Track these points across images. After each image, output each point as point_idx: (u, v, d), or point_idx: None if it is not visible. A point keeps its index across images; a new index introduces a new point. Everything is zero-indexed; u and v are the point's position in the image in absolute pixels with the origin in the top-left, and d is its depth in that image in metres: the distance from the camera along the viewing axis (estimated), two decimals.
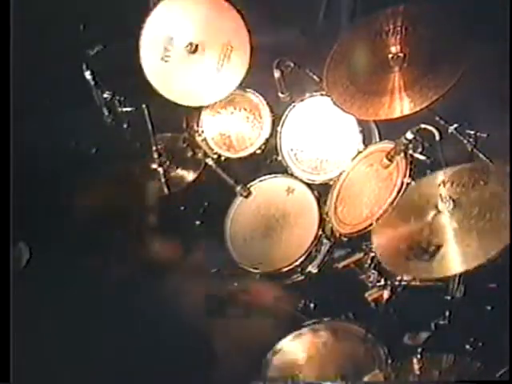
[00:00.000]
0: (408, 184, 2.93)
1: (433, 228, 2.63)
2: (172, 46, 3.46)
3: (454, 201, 2.59)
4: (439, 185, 2.70)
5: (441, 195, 2.61)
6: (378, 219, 2.95)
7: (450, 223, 2.59)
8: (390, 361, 3.00)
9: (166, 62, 3.47)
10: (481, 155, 3.01)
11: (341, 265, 3.40)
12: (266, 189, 3.58)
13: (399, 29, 3.04)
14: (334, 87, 3.18)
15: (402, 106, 2.91)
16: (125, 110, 3.69)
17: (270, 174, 3.60)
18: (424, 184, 2.83)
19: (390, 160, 3.02)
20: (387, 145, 3.15)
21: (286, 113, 3.52)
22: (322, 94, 3.43)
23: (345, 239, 3.25)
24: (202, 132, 3.71)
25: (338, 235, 3.29)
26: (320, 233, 3.34)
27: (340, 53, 3.22)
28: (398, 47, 3.01)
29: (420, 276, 2.82)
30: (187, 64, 3.49)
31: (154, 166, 3.74)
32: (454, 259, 2.52)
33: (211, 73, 3.47)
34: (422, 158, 2.97)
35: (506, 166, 2.63)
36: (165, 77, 3.48)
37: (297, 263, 3.33)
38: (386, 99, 2.96)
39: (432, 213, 2.66)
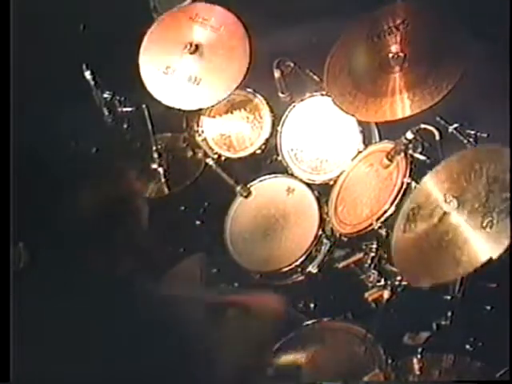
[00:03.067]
0: (408, 184, 2.93)
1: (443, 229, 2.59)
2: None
3: (457, 198, 2.57)
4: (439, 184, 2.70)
5: (444, 195, 2.60)
6: (378, 219, 2.95)
7: (461, 220, 2.55)
8: (390, 361, 3.00)
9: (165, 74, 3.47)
10: None
11: (341, 265, 3.39)
12: (266, 189, 3.58)
13: (399, 28, 3.04)
14: (334, 87, 3.18)
15: (403, 107, 2.91)
16: (125, 110, 3.68)
17: (270, 174, 3.60)
18: (426, 186, 2.80)
19: (390, 160, 3.02)
20: (387, 145, 3.15)
21: (286, 113, 3.52)
22: (322, 94, 3.43)
23: (345, 239, 3.26)
24: (202, 132, 3.71)
25: (338, 235, 3.29)
26: (320, 233, 3.34)
27: (340, 52, 3.22)
28: (398, 47, 3.02)
29: (450, 278, 2.71)
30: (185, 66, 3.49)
31: (154, 165, 3.74)
32: (481, 248, 2.46)
33: (211, 74, 3.47)
34: (421, 157, 2.97)
35: (497, 146, 2.62)
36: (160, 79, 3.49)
37: (297, 263, 3.33)
38: (387, 101, 2.96)
39: (438, 215, 2.63)
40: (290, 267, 3.34)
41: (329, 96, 3.25)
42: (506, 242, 2.38)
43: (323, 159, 3.43)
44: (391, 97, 2.95)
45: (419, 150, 2.99)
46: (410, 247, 2.70)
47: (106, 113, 3.70)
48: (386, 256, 3.12)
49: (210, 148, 3.70)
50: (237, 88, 3.42)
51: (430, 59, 2.92)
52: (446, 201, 2.57)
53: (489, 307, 3.02)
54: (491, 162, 2.55)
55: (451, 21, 2.95)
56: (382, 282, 3.08)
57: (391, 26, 3.07)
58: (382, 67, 3.04)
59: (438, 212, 2.62)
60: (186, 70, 3.47)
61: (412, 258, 2.70)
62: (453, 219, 2.56)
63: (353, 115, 3.14)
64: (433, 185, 2.71)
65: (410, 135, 2.91)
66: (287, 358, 3.20)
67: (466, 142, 3.00)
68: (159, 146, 3.73)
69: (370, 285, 3.13)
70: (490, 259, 2.41)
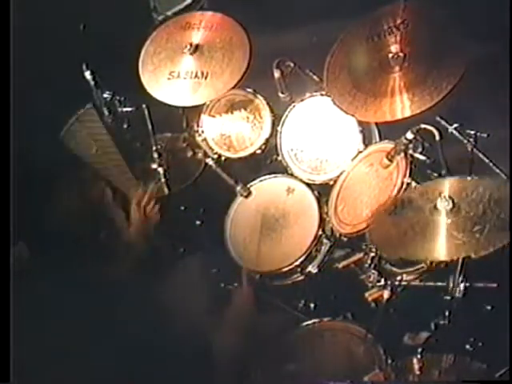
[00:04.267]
0: (408, 184, 2.93)
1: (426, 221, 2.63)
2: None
3: (453, 201, 2.58)
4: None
5: (441, 194, 2.60)
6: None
7: (449, 219, 2.58)
8: (390, 361, 3.00)
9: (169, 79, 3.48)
10: (481, 155, 3.01)
11: (341, 265, 3.39)
12: (266, 189, 3.58)
13: (399, 27, 3.04)
14: (334, 87, 3.18)
15: (403, 108, 2.91)
16: (125, 110, 3.68)
17: (270, 174, 3.60)
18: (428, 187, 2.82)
19: (390, 160, 3.02)
20: (387, 145, 3.15)
21: (286, 113, 3.52)
22: (321, 94, 3.43)
23: (345, 239, 3.26)
24: (202, 132, 3.71)
25: (338, 235, 3.29)
26: (320, 233, 3.34)
27: (340, 52, 3.22)
28: (398, 46, 3.01)
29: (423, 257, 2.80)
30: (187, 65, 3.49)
31: (154, 166, 3.74)
32: (464, 246, 2.51)
33: (212, 72, 3.47)
34: (422, 157, 2.97)
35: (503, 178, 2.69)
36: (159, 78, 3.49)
37: (297, 263, 3.33)
38: (386, 101, 2.96)
39: (428, 208, 2.65)
40: (290, 267, 3.34)
41: (329, 96, 3.25)
42: (487, 250, 2.43)
43: (323, 159, 3.43)
44: (391, 97, 2.95)
45: (419, 150, 2.99)
46: (392, 226, 2.76)
47: (106, 113, 3.71)
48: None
49: (210, 148, 3.70)
50: (241, 78, 3.41)
51: (430, 59, 2.92)
52: (441, 199, 2.58)
53: (489, 307, 3.02)
54: (495, 188, 2.60)
55: (451, 21, 2.95)
56: (382, 282, 3.08)
57: (391, 25, 3.07)
58: (381, 67, 3.04)
59: (430, 206, 2.64)
60: (189, 69, 3.47)
61: (390, 235, 2.75)
62: (442, 215, 2.59)
63: (352, 115, 3.14)
64: (432, 186, 2.72)
65: (409, 135, 2.91)
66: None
67: (466, 141, 3.00)
68: (159, 146, 3.73)
69: (370, 285, 3.13)
70: (468, 257, 2.49)
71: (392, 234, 2.72)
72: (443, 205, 2.56)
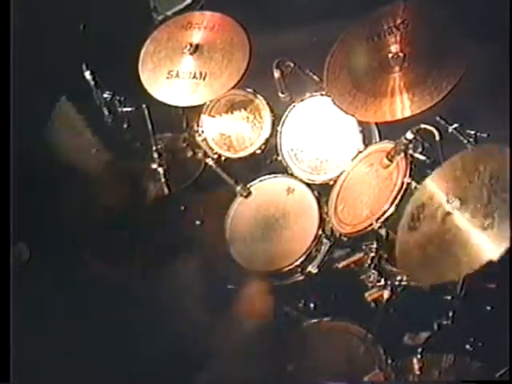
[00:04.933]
0: (408, 184, 2.93)
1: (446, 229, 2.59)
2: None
3: (459, 198, 2.56)
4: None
5: (447, 195, 2.59)
6: (378, 219, 2.95)
7: (463, 220, 2.54)
8: (390, 361, 3.00)
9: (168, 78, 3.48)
10: None
11: (341, 265, 3.39)
12: (266, 189, 3.58)
13: (399, 27, 3.04)
14: (334, 87, 3.18)
15: (403, 108, 2.91)
16: (125, 110, 3.68)
17: (270, 174, 3.60)
18: (429, 186, 2.79)
19: (390, 160, 3.02)
20: (387, 145, 3.15)
21: (286, 113, 3.52)
22: (321, 94, 3.43)
23: (345, 239, 3.26)
24: (202, 132, 3.70)
25: (338, 235, 3.29)
26: (320, 233, 3.34)
27: (340, 52, 3.22)
28: (398, 47, 3.01)
29: (450, 277, 2.70)
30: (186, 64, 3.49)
31: (154, 165, 3.74)
32: (481, 249, 2.46)
33: (211, 73, 3.47)
34: (422, 157, 2.97)
35: (497, 145, 2.61)
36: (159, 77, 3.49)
37: (297, 263, 3.33)
38: (386, 101, 2.96)
39: (441, 215, 2.62)
40: (290, 267, 3.34)
41: (329, 96, 3.25)
42: (506, 244, 2.38)
43: (323, 159, 3.43)
44: (391, 97, 2.95)
45: (419, 150, 2.99)
46: (414, 247, 2.69)
47: (106, 113, 3.71)
48: (385, 256, 3.12)
49: (210, 148, 3.70)
50: (240, 80, 3.41)
51: (430, 59, 2.92)
52: (448, 201, 2.57)
53: (489, 307, 3.02)
54: (493, 161, 2.55)
55: (451, 21, 2.95)
56: (382, 282, 3.07)
57: (391, 25, 3.07)
58: (381, 67, 3.04)
59: (441, 212, 2.61)
60: (189, 69, 3.48)
61: (415, 257, 2.69)
62: (455, 219, 2.55)
63: (352, 115, 3.14)
64: (435, 185, 2.70)
65: (409, 135, 2.91)
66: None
67: (465, 141, 3.00)
68: (159, 146, 3.73)
69: (370, 285, 3.13)
70: (490, 261, 2.41)
71: (417, 256, 2.68)
72: (452, 206, 2.55)
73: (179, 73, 3.48)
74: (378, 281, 3.09)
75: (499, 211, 2.44)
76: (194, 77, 3.45)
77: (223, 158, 3.69)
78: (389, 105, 2.95)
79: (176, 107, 3.56)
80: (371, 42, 3.12)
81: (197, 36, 3.53)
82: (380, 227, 2.97)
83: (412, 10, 3.06)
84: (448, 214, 2.58)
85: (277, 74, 3.47)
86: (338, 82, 3.16)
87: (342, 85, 3.13)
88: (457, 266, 2.50)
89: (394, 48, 3.03)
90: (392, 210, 2.92)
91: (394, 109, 2.93)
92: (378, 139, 3.41)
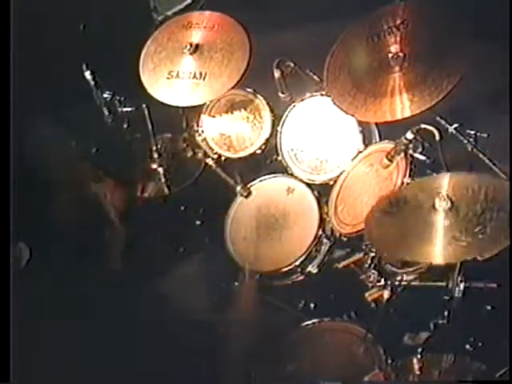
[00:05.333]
0: (408, 184, 2.93)
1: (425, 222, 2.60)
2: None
3: (452, 202, 2.56)
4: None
5: (440, 193, 2.59)
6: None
7: (440, 221, 2.56)
8: (390, 361, 3.00)
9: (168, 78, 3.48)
10: (481, 155, 3.01)
11: (341, 265, 3.40)
12: (266, 189, 3.58)
13: (399, 28, 3.04)
14: (334, 87, 3.18)
15: (403, 108, 2.90)
16: (125, 110, 3.68)
17: (270, 174, 3.60)
18: (426, 184, 2.79)
19: (390, 160, 3.02)
20: (387, 145, 3.15)
21: (286, 113, 3.52)
22: (322, 94, 3.43)
23: (345, 239, 3.26)
24: (202, 132, 3.71)
25: (338, 235, 3.29)
26: (320, 233, 3.34)
27: (340, 52, 3.21)
28: (398, 46, 3.01)
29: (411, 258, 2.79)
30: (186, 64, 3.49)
31: (154, 165, 3.74)
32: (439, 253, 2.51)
33: (211, 73, 3.47)
34: (421, 158, 2.97)
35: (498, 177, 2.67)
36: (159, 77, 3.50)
37: (297, 263, 3.33)
38: (386, 101, 2.95)
39: (427, 207, 2.62)
40: (290, 267, 3.34)
41: (329, 96, 3.25)
42: (496, 248, 2.41)
43: (323, 159, 3.43)
44: (391, 97, 2.94)
45: (419, 150, 2.98)
46: (387, 225, 2.72)
47: (106, 113, 3.71)
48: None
49: (210, 148, 3.70)
50: (240, 80, 3.41)
51: (430, 59, 2.92)
52: (440, 198, 2.56)
53: (489, 307, 3.02)
54: (491, 185, 2.57)
55: (451, 21, 2.95)
56: (382, 282, 3.08)
57: (391, 25, 3.07)
58: (381, 67, 3.04)
59: (428, 205, 2.61)
60: (189, 69, 3.47)
61: (386, 233, 2.71)
62: (439, 217, 2.56)
63: (352, 115, 3.14)
64: (429, 185, 2.71)
65: (410, 135, 2.91)
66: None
67: (465, 141, 3.00)
68: (159, 146, 3.73)
69: (370, 285, 3.13)
70: (475, 259, 2.45)
71: (391, 235, 2.69)
72: (442, 204, 2.55)
73: (179, 73, 3.48)
74: (378, 281, 3.09)
75: (493, 223, 2.46)
76: (194, 77, 3.45)
77: (223, 158, 3.69)
78: (389, 105, 2.94)
79: (176, 107, 3.56)
80: (371, 42, 3.11)
81: (197, 36, 3.52)
82: None
83: (412, 9, 3.05)
84: (435, 209, 2.57)
85: (277, 74, 3.47)
86: (338, 82, 3.15)
87: (342, 85, 3.13)
88: (433, 253, 2.52)
89: (394, 48, 3.02)
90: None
91: (394, 109, 2.92)
92: (377, 139, 3.41)
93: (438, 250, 2.51)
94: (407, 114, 2.87)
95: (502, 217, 2.46)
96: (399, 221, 2.69)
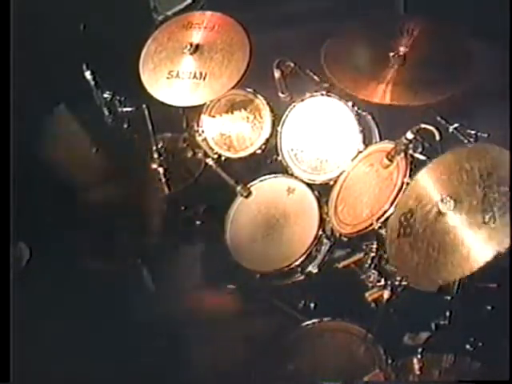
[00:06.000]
0: (408, 184, 2.93)
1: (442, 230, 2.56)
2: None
3: (453, 199, 2.55)
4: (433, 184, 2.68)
5: (441, 196, 2.58)
6: (378, 219, 2.95)
7: (460, 220, 2.52)
8: (390, 361, 3.00)
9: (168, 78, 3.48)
10: None
11: (341, 265, 3.39)
12: (267, 189, 3.58)
13: (404, 33, 3.06)
14: (334, 64, 3.20)
15: (383, 96, 2.99)
16: (125, 110, 3.68)
17: (270, 173, 3.60)
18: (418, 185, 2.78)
19: (391, 160, 3.02)
20: (387, 145, 3.15)
21: (286, 113, 3.52)
22: (322, 94, 3.43)
23: (345, 239, 3.25)
24: (203, 132, 3.71)
25: (338, 235, 3.29)
26: (320, 233, 3.34)
27: (339, 40, 3.24)
28: (399, 47, 3.03)
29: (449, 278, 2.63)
30: (186, 65, 3.49)
31: (154, 165, 3.74)
32: (484, 245, 2.43)
33: (211, 73, 3.47)
34: (422, 157, 2.97)
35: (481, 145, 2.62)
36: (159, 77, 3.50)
37: (297, 263, 3.33)
38: (374, 83, 3.02)
39: (434, 215, 2.60)
40: (290, 267, 3.34)
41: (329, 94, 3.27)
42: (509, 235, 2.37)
43: (323, 159, 3.43)
44: (380, 82, 3.03)
45: (419, 150, 2.98)
46: (408, 250, 2.68)
47: (106, 113, 3.71)
48: (386, 256, 3.11)
49: (210, 148, 3.70)
50: (240, 80, 3.41)
51: (430, 59, 2.94)
52: (442, 201, 2.56)
53: (489, 307, 3.02)
54: (480, 160, 2.53)
55: (452, 21, 2.96)
56: (382, 282, 3.07)
57: (391, 27, 3.08)
58: (381, 62, 3.07)
59: (434, 212, 2.59)
60: (189, 69, 3.47)
61: (411, 260, 2.67)
62: (450, 220, 2.54)
63: (346, 88, 3.17)
64: (425, 186, 2.70)
65: (410, 135, 2.91)
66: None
67: (466, 141, 3.00)
68: (159, 146, 3.73)
69: (370, 285, 3.13)
70: (499, 253, 2.38)
71: (415, 260, 2.65)
72: (446, 207, 2.54)
73: (179, 73, 3.48)
74: (378, 281, 3.09)
75: (498, 203, 2.42)
76: (194, 77, 3.45)
77: (223, 158, 3.69)
78: (383, 90, 3.01)
79: (176, 107, 3.56)
80: (371, 43, 3.13)
81: (197, 36, 3.53)
82: (380, 227, 2.97)
83: (421, 21, 3.08)
84: (441, 214, 2.55)
85: (277, 74, 3.47)
86: (338, 60, 3.18)
87: (342, 63, 3.16)
88: (461, 265, 2.47)
89: (395, 49, 3.04)
90: (392, 210, 2.92)
91: (376, 93, 2.98)
92: (378, 139, 3.41)
93: (477, 249, 2.44)
94: (386, 101, 2.94)
95: (504, 192, 2.42)
96: (416, 241, 2.64)
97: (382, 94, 3.05)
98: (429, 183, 2.68)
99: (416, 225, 2.66)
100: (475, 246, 2.45)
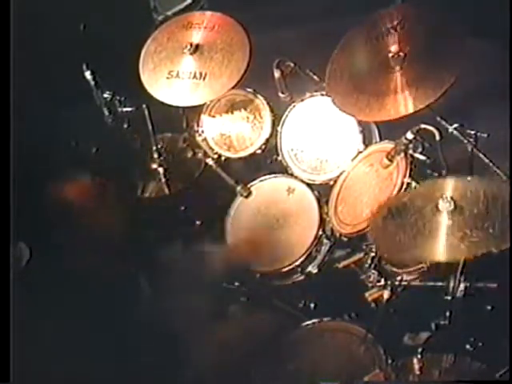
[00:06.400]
0: (408, 184, 2.93)
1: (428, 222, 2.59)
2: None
3: (455, 203, 2.55)
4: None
5: (443, 195, 2.59)
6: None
7: (446, 222, 2.55)
8: (390, 361, 3.00)
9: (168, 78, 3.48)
10: (481, 155, 3.01)
11: (341, 265, 3.40)
12: (267, 189, 3.58)
13: (398, 28, 3.04)
14: (337, 92, 3.18)
15: (405, 105, 2.90)
16: (125, 110, 3.69)
17: (270, 173, 3.60)
18: (428, 187, 2.78)
19: (391, 160, 3.02)
20: (387, 145, 3.15)
21: (286, 113, 3.52)
22: (322, 94, 3.43)
23: (345, 239, 3.26)
24: (203, 132, 3.71)
25: (338, 235, 3.29)
26: (320, 233, 3.34)
27: (340, 57, 3.21)
28: (398, 46, 3.01)
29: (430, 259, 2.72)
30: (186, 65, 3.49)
31: (154, 165, 3.74)
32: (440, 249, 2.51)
33: (211, 73, 3.47)
34: (422, 157, 2.97)
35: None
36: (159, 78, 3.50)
37: (297, 263, 3.33)
38: (389, 99, 2.96)
39: (430, 209, 2.62)
40: (290, 267, 3.34)
41: (329, 96, 3.25)
42: (509, 240, 2.40)
43: (323, 159, 3.44)
44: (393, 95, 2.95)
45: (419, 150, 2.99)
46: (393, 229, 2.70)
47: (106, 113, 3.71)
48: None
49: (210, 148, 3.70)
50: (240, 80, 3.41)
51: (429, 56, 2.92)
52: (443, 199, 2.56)
53: (489, 307, 3.02)
54: (489, 187, 2.58)
55: (448, 19, 2.95)
56: (382, 282, 3.07)
57: (389, 27, 3.07)
58: (382, 67, 3.04)
59: (431, 207, 2.61)
60: (189, 69, 3.48)
61: (394, 237, 2.67)
62: (443, 218, 2.55)
63: (354, 116, 3.15)
64: (432, 189, 2.71)
65: (410, 135, 2.91)
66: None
67: (466, 141, 3.00)
68: (159, 146, 3.73)
69: (370, 285, 3.13)
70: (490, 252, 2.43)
71: (396, 238, 2.66)
72: (445, 206, 2.54)
73: (179, 73, 3.49)
74: (378, 281, 3.09)
75: (499, 219, 2.46)
76: (194, 77, 3.45)
77: (223, 158, 3.69)
78: (392, 103, 2.95)
79: (176, 107, 3.56)
80: (370, 44, 3.12)
81: (197, 36, 3.53)
82: None
83: (409, 11, 3.06)
84: (438, 210, 2.57)
85: (277, 74, 3.47)
86: (341, 86, 3.16)
87: (345, 88, 3.13)
88: (443, 249, 2.51)
89: (394, 48, 3.03)
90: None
91: (397, 106, 2.93)
92: (378, 139, 3.41)
93: (442, 247, 2.50)
94: (410, 110, 2.87)
95: (506, 211, 2.46)
96: (403, 224, 2.67)
97: (399, 107, 2.92)
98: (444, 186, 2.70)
99: (407, 215, 2.67)
100: (456, 240, 2.50)
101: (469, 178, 2.69)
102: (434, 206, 2.58)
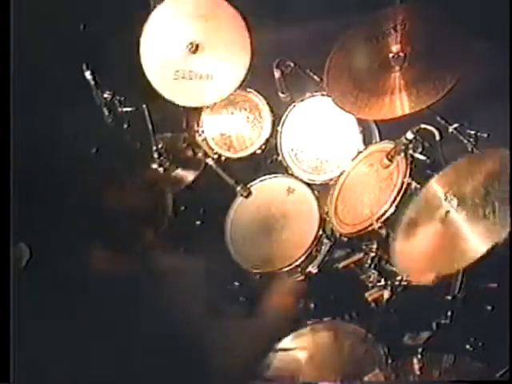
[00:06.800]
0: (408, 184, 2.93)
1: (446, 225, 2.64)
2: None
3: (457, 197, 2.58)
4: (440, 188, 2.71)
5: (444, 194, 2.61)
6: (378, 219, 2.95)
7: (462, 215, 2.61)
8: (390, 361, 3.00)
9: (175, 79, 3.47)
10: None
11: (341, 265, 3.40)
12: (267, 189, 3.58)
13: (397, 29, 3.04)
14: (336, 89, 3.18)
15: (403, 105, 2.91)
16: (125, 110, 3.68)
17: (270, 173, 3.60)
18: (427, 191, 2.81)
19: (391, 160, 3.02)
20: (387, 145, 3.15)
21: (286, 113, 3.52)
22: (322, 94, 3.43)
23: (345, 239, 3.26)
24: (203, 132, 3.71)
25: (338, 235, 3.29)
26: (320, 233, 3.35)
27: (339, 56, 3.21)
28: (399, 46, 3.02)
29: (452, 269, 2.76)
30: (188, 64, 3.49)
31: (154, 165, 3.74)
32: (484, 237, 2.56)
33: (212, 73, 3.47)
34: (422, 157, 2.97)
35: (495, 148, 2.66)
36: (165, 77, 3.48)
37: (297, 263, 3.34)
38: (387, 99, 2.97)
39: (440, 214, 2.66)
40: (290, 267, 3.34)
41: (329, 96, 3.25)
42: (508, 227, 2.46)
43: (323, 159, 3.44)
44: (391, 95, 2.96)
45: (419, 150, 2.99)
46: (414, 249, 2.74)
47: (106, 113, 3.70)
48: (385, 256, 3.12)
49: (210, 148, 3.70)
50: (245, 79, 3.40)
51: (431, 56, 2.92)
52: (446, 199, 2.58)
53: (489, 307, 3.02)
54: (488, 162, 2.61)
55: (449, 19, 2.95)
56: (382, 282, 3.08)
57: (390, 27, 3.07)
58: (382, 66, 3.05)
59: (440, 213, 2.65)
60: (189, 69, 3.47)
61: (415, 257, 2.74)
62: (454, 216, 2.61)
63: (353, 114, 3.15)
64: (434, 189, 2.73)
65: (410, 135, 2.92)
66: (287, 358, 3.20)
67: (466, 141, 3.00)
68: (159, 146, 3.73)
69: (370, 285, 3.13)
70: (496, 244, 2.48)
71: (420, 258, 2.74)
72: (450, 205, 2.57)
73: (180, 73, 3.48)
74: (378, 281, 3.09)
75: (499, 200, 2.51)
76: (196, 77, 3.45)
77: (223, 158, 3.69)
78: (392, 102, 2.96)
79: (176, 107, 3.56)
80: (371, 44, 3.12)
81: (198, 36, 3.52)
82: (380, 227, 2.97)
83: (409, 11, 3.06)
84: (447, 212, 2.62)
85: (277, 73, 3.48)
86: (340, 85, 3.16)
87: (344, 87, 3.13)
88: (461, 256, 2.57)
89: (395, 48, 3.03)
90: (392, 210, 2.93)
91: (397, 106, 2.94)
92: (378, 139, 3.42)
93: (470, 246, 2.58)
94: (406, 111, 2.88)
95: (504, 190, 2.51)
96: (421, 241, 2.72)
97: (399, 106, 2.95)
98: (439, 184, 2.74)
99: (421, 227, 2.73)
100: (473, 240, 2.57)
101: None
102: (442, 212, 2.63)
